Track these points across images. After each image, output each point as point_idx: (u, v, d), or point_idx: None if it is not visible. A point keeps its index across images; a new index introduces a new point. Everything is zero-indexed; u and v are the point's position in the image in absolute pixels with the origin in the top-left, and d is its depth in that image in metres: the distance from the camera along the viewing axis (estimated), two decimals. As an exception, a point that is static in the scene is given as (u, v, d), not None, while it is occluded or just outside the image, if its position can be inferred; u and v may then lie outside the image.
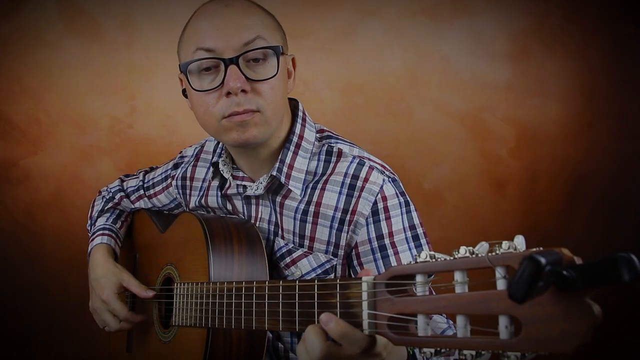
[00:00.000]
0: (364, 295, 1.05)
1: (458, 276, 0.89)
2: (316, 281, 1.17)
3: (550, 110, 3.13)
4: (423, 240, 1.68)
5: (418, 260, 0.96)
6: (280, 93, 1.64)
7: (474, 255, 0.88)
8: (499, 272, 0.84)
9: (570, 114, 3.13)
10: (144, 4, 3.09)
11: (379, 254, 1.65)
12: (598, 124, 3.12)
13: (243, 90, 1.56)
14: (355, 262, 1.70)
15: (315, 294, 1.16)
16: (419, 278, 0.96)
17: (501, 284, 0.84)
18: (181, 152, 2.15)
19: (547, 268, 0.71)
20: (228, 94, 1.57)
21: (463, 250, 0.89)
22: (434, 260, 0.94)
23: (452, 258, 0.91)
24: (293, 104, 1.84)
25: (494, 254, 0.85)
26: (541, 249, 0.79)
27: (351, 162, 1.71)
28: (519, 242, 0.84)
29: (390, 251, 1.64)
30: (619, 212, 3.12)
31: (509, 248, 0.83)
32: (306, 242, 1.73)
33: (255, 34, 1.58)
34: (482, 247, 0.88)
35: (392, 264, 1.62)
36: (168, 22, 3.08)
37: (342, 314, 1.10)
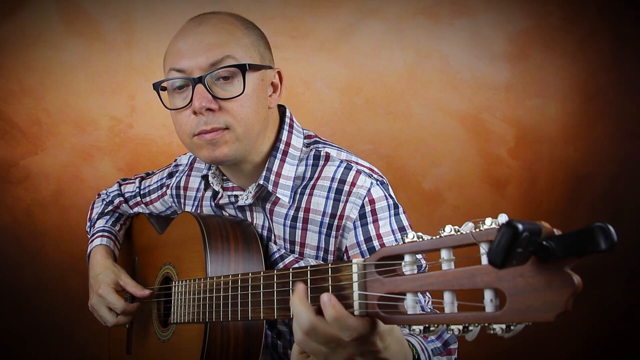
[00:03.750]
0: (355, 277, 1.06)
1: (444, 254, 0.91)
2: (309, 267, 1.18)
3: (550, 110, 3.13)
4: None
5: (406, 241, 0.97)
6: (252, 110, 1.64)
7: (459, 233, 0.89)
8: (483, 248, 0.85)
9: (570, 114, 3.13)
10: (144, 4, 3.11)
11: (368, 256, 1.63)
12: (598, 124, 3.12)
13: (210, 109, 1.58)
14: None
15: (309, 280, 1.17)
16: (407, 258, 0.97)
17: (485, 259, 0.85)
18: (176, 159, 2.16)
19: (525, 234, 0.73)
20: (195, 112, 1.59)
21: (448, 229, 0.90)
22: (421, 239, 0.95)
23: (438, 237, 0.91)
24: (281, 110, 1.85)
25: (477, 230, 0.86)
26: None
27: (338, 166, 1.71)
28: (503, 219, 0.85)
29: None
30: (619, 212, 3.12)
31: (492, 224, 0.85)
32: (297, 248, 1.73)
33: (224, 53, 1.60)
34: (467, 226, 0.89)
35: None
36: (168, 22, 3.09)
37: None
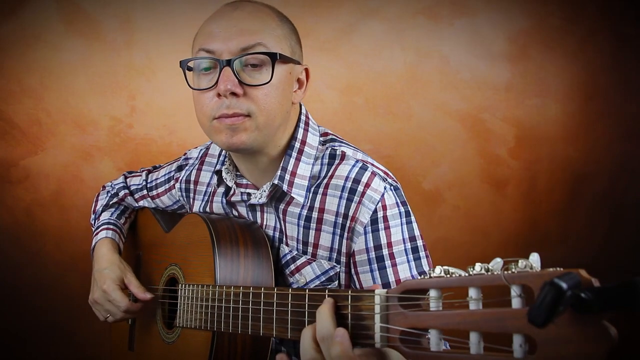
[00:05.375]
0: (377, 309, 1.04)
1: (473, 293, 0.88)
2: (327, 291, 1.16)
3: (550, 110, 3.14)
4: (422, 253, 1.64)
5: (432, 275, 0.95)
6: (277, 101, 1.61)
7: (489, 273, 0.87)
8: (515, 291, 0.83)
9: (570, 114, 3.14)
10: (144, 4, 3.09)
11: (375, 264, 1.61)
12: (598, 124, 3.13)
13: (234, 94, 1.56)
14: (352, 271, 1.67)
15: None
16: (432, 293, 0.95)
17: (516, 303, 0.83)
18: (186, 153, 2.12)
19: (569, 293, 0.71)
20: (219, 95, 1.57)
21: (478, 267, 0.88)
22: (448, 275, 0.92)
23: (466, 274, 0.90)
24: (296, 108, 1.82)
25: (509, 272, 0.84)
26: (559, 269, 0.79)
27: (353, 166, 1.67)
28: (535, 260, 0.83)
29: (387, 262, 1.61)
30: (619, 212, 3.13)
31: (525, 267, 0.83)
32: (309, 249, 1.70)
33: (256, 40, 1.58)
34: (497, 264, 0.87)
35: (389, 276, 1.60)
36: (168, 22, 3.07)
37: (353, 326, 1.09)
